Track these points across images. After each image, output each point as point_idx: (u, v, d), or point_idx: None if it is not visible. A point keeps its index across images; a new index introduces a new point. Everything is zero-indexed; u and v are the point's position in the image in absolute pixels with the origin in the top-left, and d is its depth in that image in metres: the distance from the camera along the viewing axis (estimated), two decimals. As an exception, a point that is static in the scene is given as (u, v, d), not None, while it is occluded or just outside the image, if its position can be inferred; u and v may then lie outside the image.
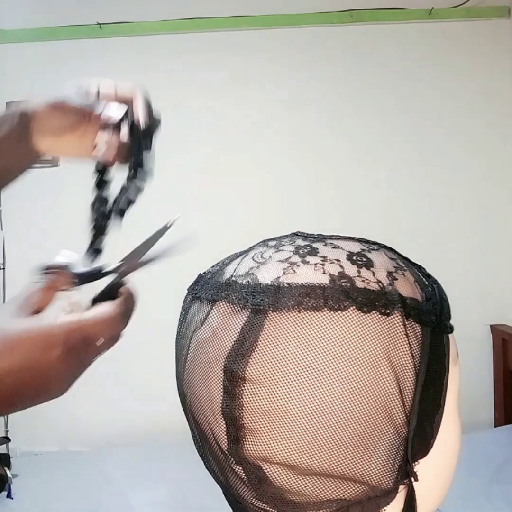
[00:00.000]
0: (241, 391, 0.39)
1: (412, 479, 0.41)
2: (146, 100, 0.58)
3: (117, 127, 0.57)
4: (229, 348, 0.40)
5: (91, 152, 0.58)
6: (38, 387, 0.37)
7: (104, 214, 0.57)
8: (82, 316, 0.38)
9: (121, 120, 0.56)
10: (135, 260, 0.43)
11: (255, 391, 0.39)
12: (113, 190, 0.59)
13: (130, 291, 0.42)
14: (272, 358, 0.38)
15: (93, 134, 0.57)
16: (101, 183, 0.59)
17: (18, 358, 0.35)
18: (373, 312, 0.39)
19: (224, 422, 0.40)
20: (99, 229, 0.56)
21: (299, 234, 0.47)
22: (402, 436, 0.39)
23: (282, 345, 0.38)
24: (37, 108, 0.56)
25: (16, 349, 0.35)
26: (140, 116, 0.57)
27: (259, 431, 0.39)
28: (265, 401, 0.38)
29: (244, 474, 0.41)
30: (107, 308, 0.39)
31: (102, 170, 0.59)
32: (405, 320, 0.39)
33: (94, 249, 0.55)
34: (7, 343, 0.35)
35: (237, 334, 0.40)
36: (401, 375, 0.39)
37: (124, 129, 0.57)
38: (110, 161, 0.58)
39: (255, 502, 0.42)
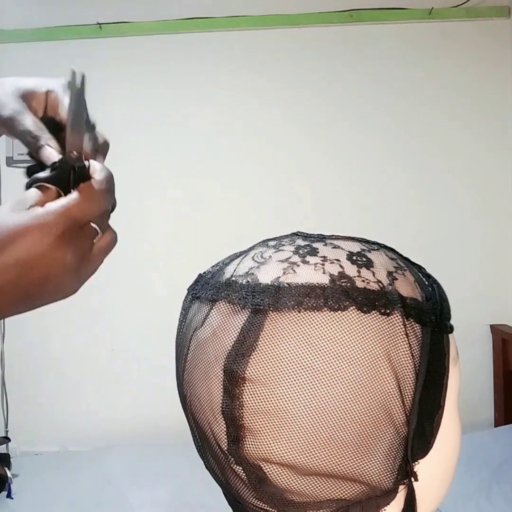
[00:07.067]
0: (241, 391, 0.39)
1: (412, 479, 0.41)
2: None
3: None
4: (229, 348, 0.40)
5: None
6: (42, 278, 0.37)
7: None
8: (66, 199, 0.38)
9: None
10: (78, 138, 0.41)
11: (255, 391, 0.39)
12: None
13: (105, 169, 0.41)
14: (272, 358, 0.38)
15: None
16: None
17: (19, 250, 0.36)
18: (373, 312, 0.39)
19: (224, 422, 0.40)
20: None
21: (299, 234, 0.47)
22: (402, 436, 0.39)
23: (282, 345, 0.38)
24: None
25: (17, 240, 0.36)
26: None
27: (259, 431, 0.39)
28: (265, 401, 0.38)
29: (244, 474, 0.41)
30: (87, 187, 0.39)
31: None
32: (405, 320, 0.39)
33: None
34: (7, 236, 0.36)
35: (237, 334, 0.40)
36: (401, 375, 0.39)
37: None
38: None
39: (255, 502, 0.42)
